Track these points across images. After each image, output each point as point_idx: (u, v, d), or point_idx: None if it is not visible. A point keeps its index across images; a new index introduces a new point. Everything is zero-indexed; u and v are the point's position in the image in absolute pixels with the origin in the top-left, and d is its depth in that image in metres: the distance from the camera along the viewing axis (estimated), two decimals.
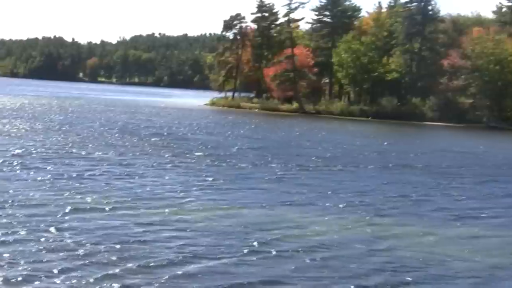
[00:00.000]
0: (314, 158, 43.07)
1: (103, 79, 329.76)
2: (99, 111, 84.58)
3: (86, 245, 17.61)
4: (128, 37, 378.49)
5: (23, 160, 32.80)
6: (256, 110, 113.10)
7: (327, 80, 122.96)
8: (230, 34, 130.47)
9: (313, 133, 68.51)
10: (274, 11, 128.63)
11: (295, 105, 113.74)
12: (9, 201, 22.41)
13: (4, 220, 19.70)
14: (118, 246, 17.68)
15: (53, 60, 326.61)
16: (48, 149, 38.35)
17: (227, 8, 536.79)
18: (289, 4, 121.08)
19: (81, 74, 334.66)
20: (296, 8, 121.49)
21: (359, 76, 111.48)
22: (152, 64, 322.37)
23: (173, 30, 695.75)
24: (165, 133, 55.20)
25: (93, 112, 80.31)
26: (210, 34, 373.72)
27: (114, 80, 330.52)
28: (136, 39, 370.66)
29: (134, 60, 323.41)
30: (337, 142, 58.37)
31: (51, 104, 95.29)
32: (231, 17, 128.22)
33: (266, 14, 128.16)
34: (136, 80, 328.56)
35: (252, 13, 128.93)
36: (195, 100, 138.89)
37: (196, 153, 41.32)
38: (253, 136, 58.85)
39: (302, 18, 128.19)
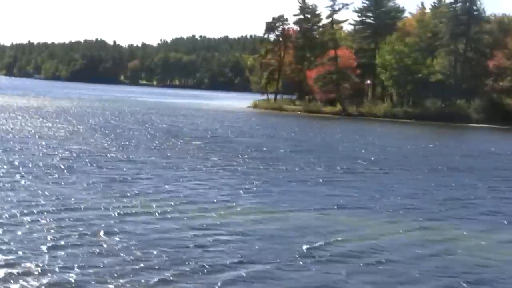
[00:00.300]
0: (360, 160, 42.74)
1: (144, 82, 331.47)
2: (142, 113, 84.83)
3: (138, 249, 17.57)
4: (169, 40, 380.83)
5: (71, 163, 32.94)
6: (299, 112, 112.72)
7: (370, 82, 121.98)
8: (272, 36, 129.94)
9: (357, 135, 67.95)
10: (317, 12, 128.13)
11: (338, 107, 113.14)
12: (60, 205, 22.49)
13: (55, 224, 19.74)
14: (169, 250, 17.62)
15: (95, 63, 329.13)
16: (95, 153, 38.51)
17: (267, 10, 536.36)
18: (332, 6, 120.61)
19: (122, 77, 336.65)
20: (339, 10, 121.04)
21: (402, 77, 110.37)
22: (193, 66, 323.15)
23: (214, 32, 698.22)
24: (210, 136, 55.16)
25: (137, 115, 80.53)
26: (250, 36, 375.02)
27: (155, 82, 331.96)
28: (177, 42, 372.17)
29: (175, 63, 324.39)
30: (382, 144, 57.84)
31: (94, 106, 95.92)
32: (274, 19, 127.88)
33: (309, 16, 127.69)
34: (177, 82, 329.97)
35: (295, 15, 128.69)
36: (237, 102, 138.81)
37: (242, 156, 41.13)
38: (298, 139, 58.56)
39: (346, 20, 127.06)
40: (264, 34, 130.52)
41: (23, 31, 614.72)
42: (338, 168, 38.21)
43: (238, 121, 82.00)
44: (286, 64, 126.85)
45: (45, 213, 21.10)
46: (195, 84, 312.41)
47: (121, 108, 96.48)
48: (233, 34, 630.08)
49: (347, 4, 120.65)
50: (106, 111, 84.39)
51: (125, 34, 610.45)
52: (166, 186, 27.96)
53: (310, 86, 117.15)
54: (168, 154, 39.95)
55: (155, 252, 17.36)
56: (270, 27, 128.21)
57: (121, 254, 17.03)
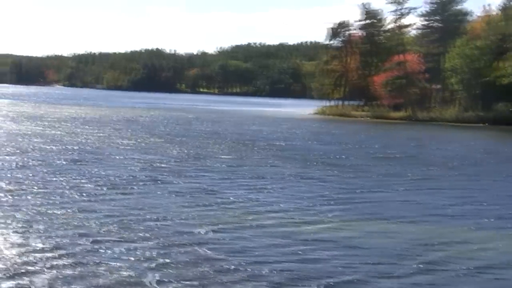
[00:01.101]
0: (444, 166, 41.35)
1: (203, 90, 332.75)
2: (209, 121, 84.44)
3: (239, 264, 16.73)
4: (227, 47, 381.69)
5: (153, 174, 32.40)
6: (367, 118, 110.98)
7: (438, 86, 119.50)
8: (336, 42, 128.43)
9: (433, 140, 66.22)
10: (381, 17, 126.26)
11: (406, 112, 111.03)
12: (150, 217, 21.92)
13: (147, 235, 19.28)
14: (278, 265, 16.77)
15: (155, 72, 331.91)
16: (171, 162, 37.93)
17: (325, 16, 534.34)
18: (399, 10, 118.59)
19: (182, 85, 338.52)
20: (407, 14, 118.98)
21: (473, 81, 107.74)
22: (251, 73, 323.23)
23: (272, 39, 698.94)
24: (282, 144, 54.17)
25: (203, 123, 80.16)
26: (309, 42, 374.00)
27: (214, 90, 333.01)
28: (235, 49, 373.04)
29: (234, 70, 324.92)
30: (462, 149, 56.08)
31: (161, 115, 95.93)
32: (337, 24, 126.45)
33: (374, 21, 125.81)
34: (237, 90, 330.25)
35: (359, 20, 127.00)
36: (301, 109, 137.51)
37: (320, 164, 40.25)
38: (371, 145, 57.13)
39: (413, 24, 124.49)
40: (328, 40, 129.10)
41: (83, 41, 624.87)
42: (425, 174, 36.92)
43: (307, 128, 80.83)
44: (351, 70, 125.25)
45: (136, 225, 20.65)
46: (254, 92, 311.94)
47: (187, 116, 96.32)
48: (291, 40, 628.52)
49: (414, 8, 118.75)
50: (173, 120, 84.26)
51: (184, 43, 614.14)
52: (251, 195, 27.24)
53: (377, 91, 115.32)
54: (245, 163, 39.21)
55: (261, 268, 16.46)
56: (334, 33, 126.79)
57: (220, 271, 16.17)
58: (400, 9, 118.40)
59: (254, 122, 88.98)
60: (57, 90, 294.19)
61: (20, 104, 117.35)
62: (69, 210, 22.55)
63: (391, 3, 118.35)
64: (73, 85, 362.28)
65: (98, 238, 18.72)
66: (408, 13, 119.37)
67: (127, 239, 18.77)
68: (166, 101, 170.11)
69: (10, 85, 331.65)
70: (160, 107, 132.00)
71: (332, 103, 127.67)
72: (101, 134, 55.50)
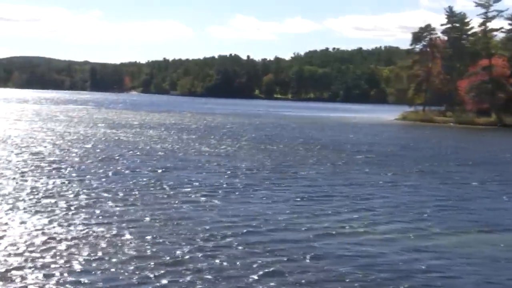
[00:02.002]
0: None
1: (278, 96, 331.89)
2: (291, 127, 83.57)
3: (350, 274, 16.23)
4: (302, 53, 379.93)
5: (249, 181, 31.96)
6: (451, 124, 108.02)
7: None
8: (419, 47, 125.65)
9: None
10: (466, 20, 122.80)
11: (493, 117, 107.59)
12: (256, 225, 21.52)
13: (255, 243, 18.78)
14: (385, 275, 16.25)
15: (229, 78, 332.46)
16: (264, 169, 37.51)
17: (400, 22, 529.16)
18: (485, 13, 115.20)
19: (256, 91, 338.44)
20: (493, 17, 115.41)
21: None
22: (327, 79, 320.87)
23: (347, 44, 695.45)
24: (371, 150, 53.09)
25: (286, 129, 79.32)
26: (383, 47, 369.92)
27: (289, 96, 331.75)
28: (310, 55, 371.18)
29: (309, 76, 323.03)
30: None
31: (241, 121, 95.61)
32: (421, 29, 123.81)
33: (457, 25, 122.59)
34: (312, 95, 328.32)
35: (442, 24, 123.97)
36: (382, 115, 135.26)
37: (415, 171, 39.32)
38: (462, 152, 55.62)
39: (501, 28, 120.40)
40: (411, 44, 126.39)
41: (159, 48, 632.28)
42: None
43: (393, 134, 79.21)
44: (433, 75, 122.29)
45: (243, 233, 20.30)
46: (330, 97, 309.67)
47: (268, 122, 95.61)
48: (367, 45, 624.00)
49: (501, 11, 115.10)
50: (255, 126, 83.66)
51: (258, 48, 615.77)
52: (352, 203, 26.65)
53: (461, 96, 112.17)
54: (338, 170, 38.54)
55: (371, 279, 15.92)
56: (416, 37, 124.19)
57: (336, 280, 15.69)
58: (487, 12, 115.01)
59: (338, 128, 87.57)
60: (134, 96, 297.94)
61: (102, 111, 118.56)
62: (176, 218, 22.14)
63: (479, 5, 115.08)
64: (148, 92, 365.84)
65: (208, 247, 18.32)
66: (495, 16, 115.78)
67: (237, 247, 18.30)
68: (242, 107, 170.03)
69: (87, 92, 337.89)
70: (238, 113, 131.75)
71: (413, 108, 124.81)
72: (188, 141, 55.26)
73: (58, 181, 28.81)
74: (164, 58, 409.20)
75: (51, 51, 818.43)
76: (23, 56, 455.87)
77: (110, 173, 32.22)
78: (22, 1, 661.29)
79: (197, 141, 55.44)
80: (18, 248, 17.29)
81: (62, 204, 23.65)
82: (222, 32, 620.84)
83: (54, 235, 18.87)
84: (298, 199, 26.94)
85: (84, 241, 18.38)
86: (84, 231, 19.52)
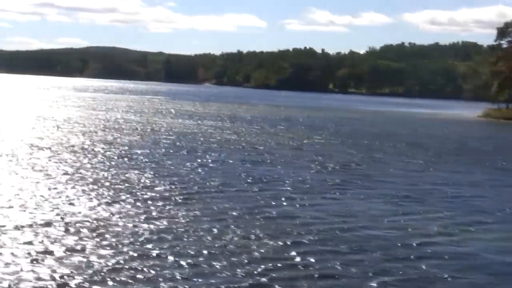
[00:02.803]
0: None
1: (352, 90, 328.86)
2: (372, 122, 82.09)
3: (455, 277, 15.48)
4: (377, 47, 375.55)
5: (340, 177, 31.12)
6: None
7: None
8: (504, 43, 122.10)
9: None
10: None
11: None
12: (354, 226, 20.56)
13: (357, 245, 17.68)
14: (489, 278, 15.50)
15: (303, 71, 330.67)
16: (351, 165, 36.47)
17: (479, 16, 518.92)
18: None
19: (330, 85, 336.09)
20: None
21: None
22: (402, 74, 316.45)
23: (423, 39, 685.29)
24: (463, 147, 51.68)
25: (368, 124, 78.02)
26: (461, 42, 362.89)
27: (363, 90, 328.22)
28: (385, 49, 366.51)
29: (384, 70, 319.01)
30: None
31: (320, 116, 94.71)
32: (506, 24, 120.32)
33: None
34: (386, 90, 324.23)
35: None
36: (463, 111, 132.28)
37: None
38: None
39: None
40: (496, 40, 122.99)
41: (232, 40, 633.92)
42: None
43: (480, 131, 77.08)
44: None
45: (343, 234, 19.37)
46: (405, 92, 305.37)
47: (347, 117, 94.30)
48: (444, 40, 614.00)
49: None
50: (335, 120, 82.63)
51: (332, 42, 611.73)
52: (458, 203, 25.53)
53: None
54: (433, 168, 37.35)
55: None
56: (501, 33, 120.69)
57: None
58: None
59: (421, 124, 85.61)
60: (208, 88, 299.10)
61: (180, 102, 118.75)
62: (276, 216, 21.40)
63: None
64: (221, 84, 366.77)
65: (308, 247, 17.54)
66: None
67: (336, 249, 17.47)
68: (318, 101, 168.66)
69: (160, 83, 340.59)
70: (314, 106, 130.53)
71: (496, 106, 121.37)
72: (273, 134, 54.42)
73: (150, 174, 28.29)
74: (238, 50, 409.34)
75: (126, 41, 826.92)
76: (99, 46, 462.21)
77: (199, 167, 31.60)
78: None
79: (281, 134, 54.71)
80: (122, 241, 16.72)
81: (158, 197, 23.12)
82: (295, 25, 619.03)
83: (158, 230, 18.28)
84: (396, 197, 25.99)
85: (189, 237, 17.70)
86: (187, 226, 18.88)
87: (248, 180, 28.19)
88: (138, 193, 23.63)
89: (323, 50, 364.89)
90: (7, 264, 14.42)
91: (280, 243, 17.66)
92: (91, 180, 26.01)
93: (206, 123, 63.74)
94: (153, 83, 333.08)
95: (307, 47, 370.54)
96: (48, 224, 18.23)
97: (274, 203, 23.41)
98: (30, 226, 17.90)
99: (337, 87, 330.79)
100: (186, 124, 60.34)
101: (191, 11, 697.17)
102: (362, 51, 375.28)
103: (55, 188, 23.78)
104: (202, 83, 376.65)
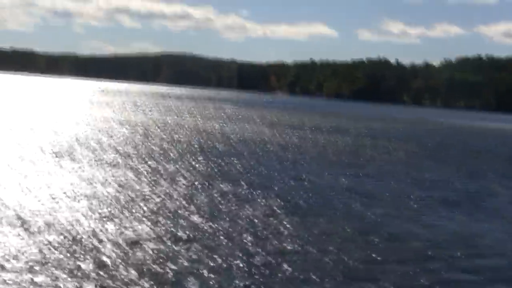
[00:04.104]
0: None
1: (427, 102, 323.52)
2: (455, 136, 79.56)
3: None
4: (453, 59, 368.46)
5: (448, 194, 29.29)
6: None
7: None
8: None
9: None
10: None
11: None
12: (480, 247, 19.10)
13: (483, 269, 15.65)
14: None
15: (377, 82, 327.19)
16: (460, 181, 34.39)
17: None
18: None
19: (404, 97, 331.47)
20: None
21: None
22: (478, 87, 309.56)
23: (499, 51, 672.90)
24: None
25: (449, 137, 75.56)
26: None
27: (438, 103, 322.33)
28: (462, 61, 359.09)
29: (460, 83, 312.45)
30: None
31: (405, 127, 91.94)
32: None
33: None
34: (462, 103, 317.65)
35: None
36: None
37: None
38: None
39: None
40: None
41: (304, 49, 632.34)
42: None
43: None
44: None
45: (464, 255, 17.94)
46: (481, 106, 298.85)
47: (432, 128, 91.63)
48: None
49: None
50: (423, 133, 79.81)
51: (404, 53, 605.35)
52: None
53: None
54: None
55: None
56: None
57: None
58: None
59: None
60: (283, 97, 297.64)
61: (261, 111, 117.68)
62: (386, 233, 19.82)
63: None
64: (293, 93, 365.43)
65: (437, 274, 15.88)
66: None
67: (465, 271, 16.11)
68: (395, 112, 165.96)
69: (233, 91, 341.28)
70: (396, 118, 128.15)
71: None
72: (359, 146, 53.13)
73: (246, 187, 26.92)
74: (311, 59, 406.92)
75: (199, 48, 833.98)
76: (172, 52, 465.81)
77: (296, 180, 30.13)
78: None
79: (367, 146, 53.04)
80: (234, 262, 15.33)
81: (260, 213, 21.68)
82: (368, 35, 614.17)
83: (267, 249, 16.87)
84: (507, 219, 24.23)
85: (305, 259, 16.27)
86: (297, 246, 17.45)
87: (352, 196, 26.57)
88: (238, 208, 22.25)
89: (397, 60, 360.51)
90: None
91: (407, 268, 16.04)
92: (189, 197, 24.84)
93: (294, 133, 62.14)
94: (225, 91, 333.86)
95: (381, 58, 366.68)
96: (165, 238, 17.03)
97: (381, 220, 21.90)
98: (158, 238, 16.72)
99: (411, 99, 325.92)
100: (274, 135, 58.81)
101: (264, 20, 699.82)
102: (436, 63, 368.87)
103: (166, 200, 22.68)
104: (274, 91, 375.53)
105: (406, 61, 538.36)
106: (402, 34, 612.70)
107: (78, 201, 21.18)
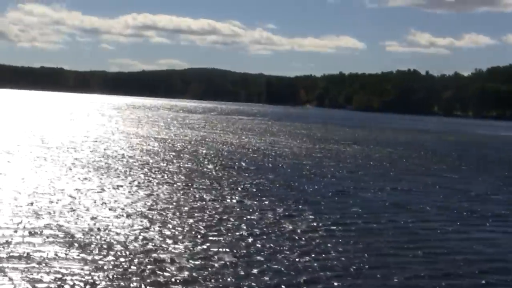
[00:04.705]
0: None
1: (458, 113, 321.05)
2: (492, 147, 78.39)
3: None
4: (484, 69, 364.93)
5: (494, 207, 28.58)
6: None
7: None
8: None
9: None
10: None
11: None
12: None
13: None
14: None
15: (407, 94, 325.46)
16: (492, 194, 33.41)
17: None
18: None
19: (434, 108, 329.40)
20: None
21: None
22: (511, 97, 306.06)
23: None
24: None
25: (484, 148, 74.40)
26: None
27: (470, 113, 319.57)
28: (493, 71, 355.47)
29: (492, 93, 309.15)
30: None
31: (440, 139, 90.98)
32: None
33: None
34: (493, 113, 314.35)
35: None
36: None
37: None
38: None
39: None
40: None
41: (332, 62, 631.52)
42: None
43: None
44: None
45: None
46: None
47: (468, 140, 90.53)
48: None
49: None
50: (458, 145, 79.01)
51: (434, 63, 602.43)
52: None
53: None
54: None
55: None
56: None
57: None
58: None
59: None
60: (313, 110, 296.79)
61: (294, 125, 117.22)
62: (442, 249, 19.32)
63: None
64: (322, 106, 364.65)
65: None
66: None
67: None
68: (427, 124, 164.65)
69: (262, 105, 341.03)
70: (436, 130, 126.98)
71: None
72: (398, 159, 52.31)
73: (293, 203, 26.51)
74: (340, 72, 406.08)
75: (226, 63, 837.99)
76: (199, 67, 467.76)
77: (337, 193, 29.77)
78: (200, 14, 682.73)
79: (404, 157, 52.32)
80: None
81: (306, 229, 21.29)
82: (396, 47, 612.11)
83: (313, 266, 16.41)
84: None
85: (342, 273, 15.77)
86: (334, 263, 16.99)
87: (399, 210, 26.05)
88: (284, 224, 21.89)
89: (427, 72, 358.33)
90: None
91: (467, 282, 15.62)
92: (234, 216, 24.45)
93: (331, 147, 61.51)
94: (255, 105, 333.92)
95: (411, 69, 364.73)
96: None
97: (435, 236, 21.45)
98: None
99: (442, 110, 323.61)
100: (310, 148, 58.30)
101: (291, 33, 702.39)
102: (466, 73, 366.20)
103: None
104: (303, 105, 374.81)
105: (435, 72, 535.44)
106: (430, 45, 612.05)
107: (132, 219, 20.97)
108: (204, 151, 47.92)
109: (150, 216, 21.64)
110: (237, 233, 19.83)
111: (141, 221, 20.71)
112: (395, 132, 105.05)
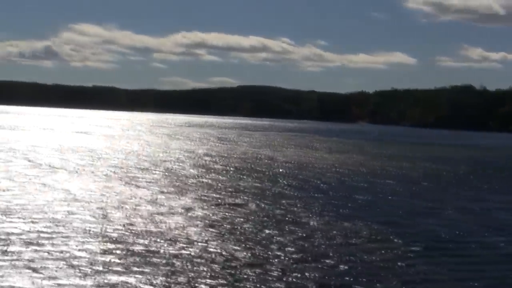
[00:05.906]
0: None
1: None
2: None
3: None
4: None
5: None
6: None
7: None
8: None
9: None
10: None
11: None
12: None
13: None
14: None
15: (461, 109, 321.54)
16: None
17: None
18: None
19: (491, 123, 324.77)
20: None
21: None
22: None
23: None
24: None
25: None
26: None
27: None
28: None
29: None
30: None
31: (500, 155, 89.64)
32: None
33: None
34: None
35: None
36: None
37: None
38: None
39: None
40: None
41: (384, 78, 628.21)
42: None
43: None
44: None
45: None
46: None
47: None
48: None
49: None
50: None
51: (487, 78, 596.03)
52: None
53: None
54: None
55: None
56: None
57: None
58: None
59: None
60: (367, 127, 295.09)
61: (351, 142, 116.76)
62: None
63: None
64: (375, 122, 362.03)
65: None
66: None
67: None
68: (488, 140, 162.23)
69: (315, 122, 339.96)
70: (491, 147, 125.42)
71: None
72: (465, 175, 51.38)
73: (366, 221, 26.43)
74: (393, 88, 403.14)
75: (278, 80, 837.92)
76: (251, 85, 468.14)
77: (410, 211, 29.59)
78: (250, 32, 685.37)
79: (481, 175, 51.66)
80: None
81: (380, 246, 21.13)
82: (448, 62, 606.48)
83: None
84: None
85: None
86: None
87: (482, 227, 25.75)
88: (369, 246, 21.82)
89: (482, 86, 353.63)
90: None
91: None
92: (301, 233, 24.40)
93: (396, 164, 61.08)
94: (308, 122, 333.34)
95: (465, 84, 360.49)
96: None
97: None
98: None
99: (498, 125, 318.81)
100: (379, 166, 57.89)
101: (341, 50, 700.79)
102: None
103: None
104: (356, 121, 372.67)
105: (490, 86, 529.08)
106: (482, 59, 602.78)
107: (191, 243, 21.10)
108: (271, 171, 47.95)
109: (247, 234, 21.74)
110: (317, 248, 19.81)
111: (234, 238, 20.82)
112: (457, 148, 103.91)
